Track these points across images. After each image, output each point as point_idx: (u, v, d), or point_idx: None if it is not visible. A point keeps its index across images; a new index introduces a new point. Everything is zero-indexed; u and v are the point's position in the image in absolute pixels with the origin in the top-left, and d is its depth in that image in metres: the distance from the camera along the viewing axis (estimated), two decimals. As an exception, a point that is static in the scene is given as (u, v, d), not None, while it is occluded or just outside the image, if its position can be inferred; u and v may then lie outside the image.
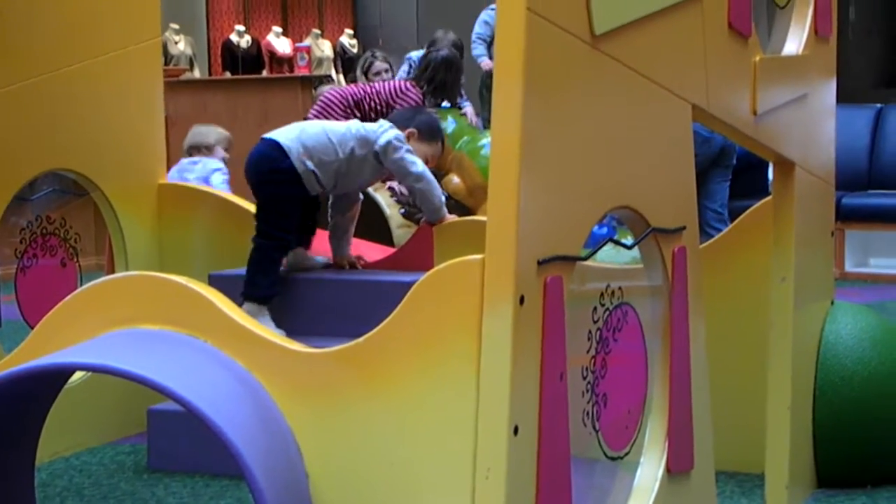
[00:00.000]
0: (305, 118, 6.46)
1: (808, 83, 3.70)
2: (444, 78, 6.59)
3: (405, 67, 8.32)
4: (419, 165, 4.14)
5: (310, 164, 4.06)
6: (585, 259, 2.47)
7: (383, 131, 4.14)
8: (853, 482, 3.74)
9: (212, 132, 6.20)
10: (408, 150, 4.12)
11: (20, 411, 2.64)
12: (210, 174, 5.82)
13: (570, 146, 2.42)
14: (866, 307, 3.98)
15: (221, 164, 5.95)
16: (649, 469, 2.76)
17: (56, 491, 3.82)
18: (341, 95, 6.40)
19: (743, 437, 3.72)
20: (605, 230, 4.74)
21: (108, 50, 4.48)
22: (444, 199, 4.38)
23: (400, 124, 4.23)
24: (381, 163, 4.14)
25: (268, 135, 4.16)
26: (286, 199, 4.09)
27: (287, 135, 4.11)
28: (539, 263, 2.30)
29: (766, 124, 3.37)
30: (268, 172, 4.08)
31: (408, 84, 6.53)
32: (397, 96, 6.34)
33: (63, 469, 4.05)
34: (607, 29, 2.49)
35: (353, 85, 7.18)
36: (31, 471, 2.74)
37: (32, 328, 2.75)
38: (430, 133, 4.30)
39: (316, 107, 6.47)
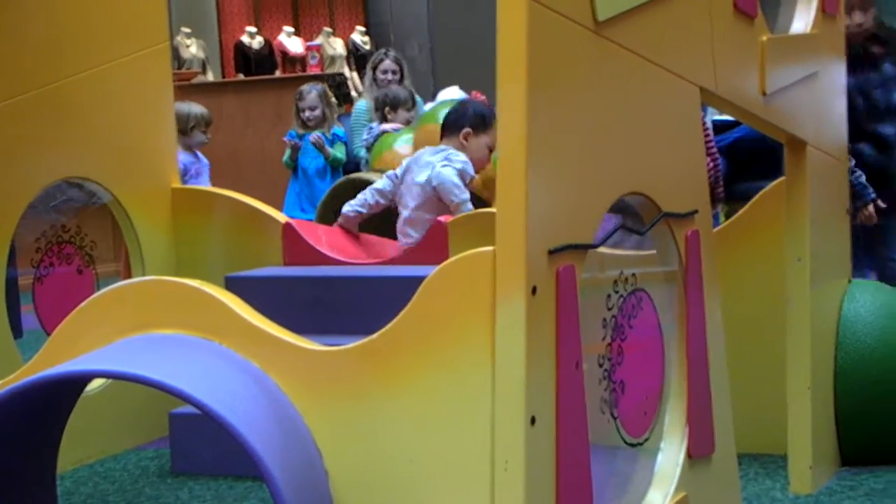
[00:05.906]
0: None
1: (818, 61, 3.68)
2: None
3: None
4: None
5: None
6: (597, 247, 2.46)
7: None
8: (878, 460, 3.72)
9: (190, 114, 5.96)
10: None
11: (39, 420, 2.65)
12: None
13: (577, 134, 2.41)
14: (884, 284, 3.96)
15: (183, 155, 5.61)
16: (670, 454, 2.75)
17: (81, 499, 3.83)
18: None
19: (765, 418, 3.71)
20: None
21: (117, 56, 4.49)
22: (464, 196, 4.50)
23: (454, 129, 4.59)
24: None
25: None
26: None
27: None
28: (550, 253, 2.29)
29: (776, 104, 3.35)
30: None
31: None
32: None
33: (87, 476, 4.06)
34: (610, 15, 2.47)
35: None
36: (53, 480, 2.74)
37: (51, 337, 2.76)
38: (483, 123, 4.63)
39: None
